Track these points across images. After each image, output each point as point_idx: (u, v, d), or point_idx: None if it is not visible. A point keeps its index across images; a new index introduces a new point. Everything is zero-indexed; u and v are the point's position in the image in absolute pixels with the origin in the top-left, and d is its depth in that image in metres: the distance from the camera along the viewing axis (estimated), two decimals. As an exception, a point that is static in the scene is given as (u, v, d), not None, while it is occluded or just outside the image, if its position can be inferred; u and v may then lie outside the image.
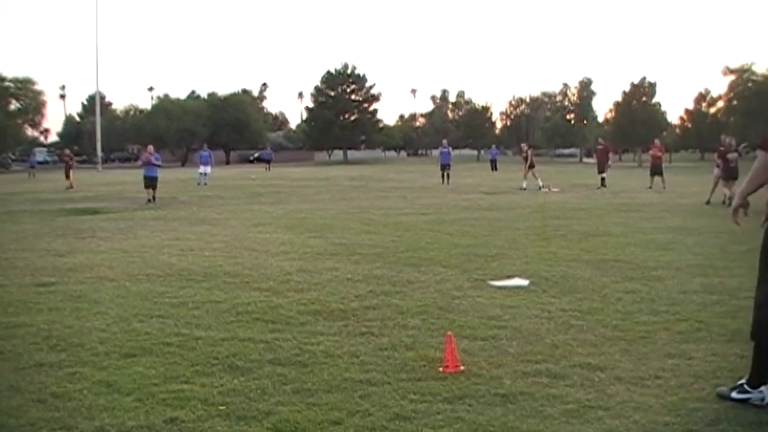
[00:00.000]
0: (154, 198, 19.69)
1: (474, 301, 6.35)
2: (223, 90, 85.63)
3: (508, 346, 4.94)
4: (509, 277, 7.45)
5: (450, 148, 29.90)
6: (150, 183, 20.05)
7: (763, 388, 3.81)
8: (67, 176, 29.16)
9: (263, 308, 6.16)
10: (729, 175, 17.20)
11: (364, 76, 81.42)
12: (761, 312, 3.82)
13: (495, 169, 43.73)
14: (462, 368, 4.42)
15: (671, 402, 3.87)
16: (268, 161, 51.54)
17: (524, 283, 7.17)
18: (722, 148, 18.27)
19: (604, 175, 25.18)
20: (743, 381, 3.88)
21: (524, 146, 28.14)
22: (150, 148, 21.68)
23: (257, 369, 4.50)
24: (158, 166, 20.74)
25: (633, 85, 72.24)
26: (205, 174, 29.25)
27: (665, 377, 4.27)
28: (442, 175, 27.47)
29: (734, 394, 3.85)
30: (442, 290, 6.87)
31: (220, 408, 3.84)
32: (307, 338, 5.19)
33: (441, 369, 4.42)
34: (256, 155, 73.42)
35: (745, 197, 3.98)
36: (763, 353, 3.84)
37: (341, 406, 3.85)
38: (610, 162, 26.18)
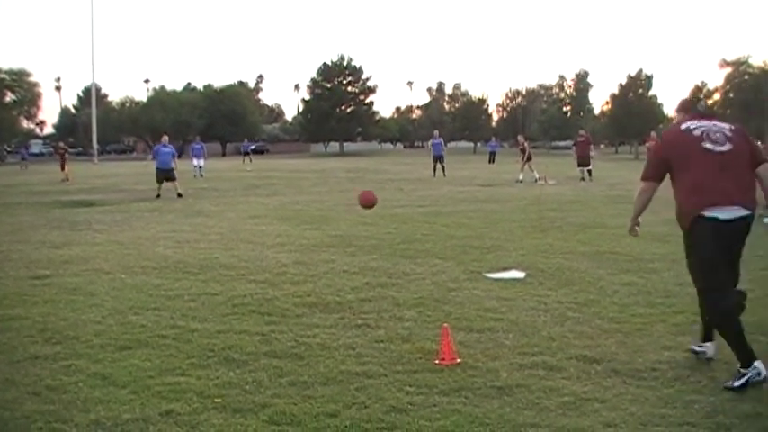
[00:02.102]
0: (178, 194, 17.75)
1: (470, 294, 6.35)
2: (219, 82, 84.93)
3: (504, 339, 4.95)
4: (505, 269, 7.45)
5: (442, 140, 29.82)
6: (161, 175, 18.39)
7: (755, 363, 3.91)
8: (63, 169, 29.08)
9: (259, 300, 6.15)
10: None
11: (360, 67, 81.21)
12: (721, 303, 4.05)
13: (493, 162, 43.69)
14: (458, 360, 4.42)
15: (667, 394, 3.88)
16: (246, 153, 49.07)
17: (520, 275, 7.17)
18: None
19: (590, 167, 24.88)
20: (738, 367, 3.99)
21: (521, 138, 28.12)
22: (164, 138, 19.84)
23: (253, 361, 4.49)
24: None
25: (630, 78, 72.21)
26: (200, 166, 29.17)
27: (662, 369, 4.28)
28: (434, 168, 27.44)
29: (735, 383, 3.92)
30: (438, 282, 6.87)
31: (216, 400, 3.83)
32: (303, 331, 5.18)
33: (437, 361, 4.42)
34: (252, 147, 72.91)
35: (635, 219, 5.18)
36: (732, 336, 4.00)
37: (337, 398, 3.85)
38: (593, 153, 25.88)
